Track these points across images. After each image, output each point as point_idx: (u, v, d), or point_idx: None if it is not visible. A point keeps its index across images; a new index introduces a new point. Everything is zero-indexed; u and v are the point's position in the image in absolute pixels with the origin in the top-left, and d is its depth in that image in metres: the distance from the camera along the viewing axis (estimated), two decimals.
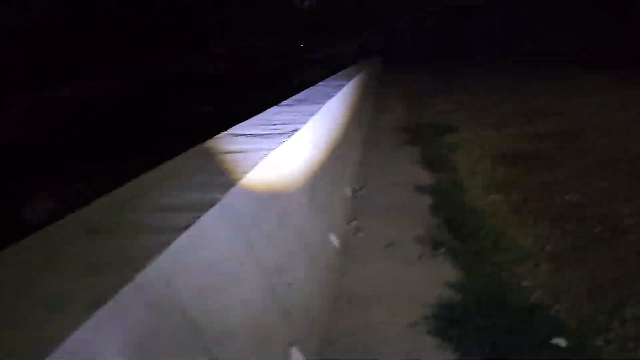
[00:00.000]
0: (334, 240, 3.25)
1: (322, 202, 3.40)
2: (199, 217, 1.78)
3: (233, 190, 2.10)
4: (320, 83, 7.63)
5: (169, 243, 1.56)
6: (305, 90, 6.53)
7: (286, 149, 3.05)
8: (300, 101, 5.36)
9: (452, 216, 3.46)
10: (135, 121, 12.47)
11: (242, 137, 3.29)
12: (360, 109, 7.79)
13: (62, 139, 10.79)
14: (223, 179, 2.26)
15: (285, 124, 3.76)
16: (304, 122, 3.79)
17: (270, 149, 2.87)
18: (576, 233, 3.38)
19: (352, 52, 25.18)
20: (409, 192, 4.53)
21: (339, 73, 10.06)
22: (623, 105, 8.29)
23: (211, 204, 1.95)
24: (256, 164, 2.50)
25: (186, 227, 1.69)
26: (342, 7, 32.52)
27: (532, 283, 2.73)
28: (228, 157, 2.70)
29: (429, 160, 5.43)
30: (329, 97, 5.62)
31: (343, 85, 7.04)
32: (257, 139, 3.22)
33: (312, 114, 4.21)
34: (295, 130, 3.43)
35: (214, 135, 3.47)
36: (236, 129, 3.72)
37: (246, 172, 2.33)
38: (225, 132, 3.61)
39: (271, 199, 2.48)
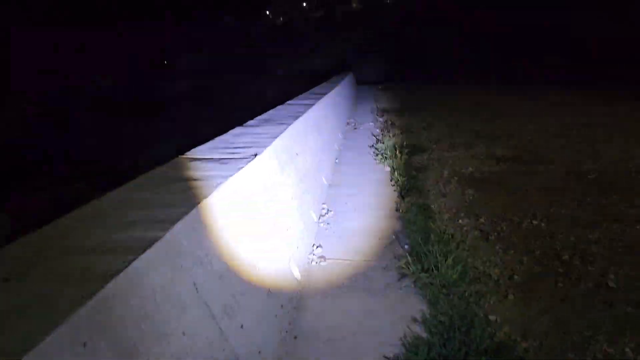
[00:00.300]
0: (295, 271, 3.08)
1: (285, 231, 3.23)
2: (134, 259, 1.60)
3: (178, 226, 1.92)
4: (289, 101, 7.52)
5: (91, 295, 1.37)
6: (273, 109, 6.41)
7: (245, 175, 2.89)
8: (265, 121, 5.21)
9: (419, 244, 3.34)
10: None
11: (199, 162, 3.11)
12: (331, 128, 7.70)
13: None
14: (170, 212, 2.07)
15: (247, 147, 3.60)
16: (266, 145, 3.64)
17: (227, 176, 2.70)
18: (545, 261, 3.31)
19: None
20: (377, 216, 4.41)
21: (310, 90, 10.00)
22: (586, 125, 8.51)
23: (151, 242, 1.76)
24: (209, 194, 2.33)
25: (116, 273, 1.50)
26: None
27: (500, 317, 2.62)
28: (179, 185, 2.51)
29: (398, 180, 5.34)
30: (296, 117, 5.50)
31: (312, 105, 6.95)
32: (215, 164, 3.05)
33: (276, 136, 4.07)
34: (256, 155, 3.27)
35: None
36: (195, 152, 3.54)
37: (196, 204, 2.16)
38: (183, 156, 3.43)
39: (224, 232, 2.30)
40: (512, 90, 16.80)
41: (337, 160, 6.73)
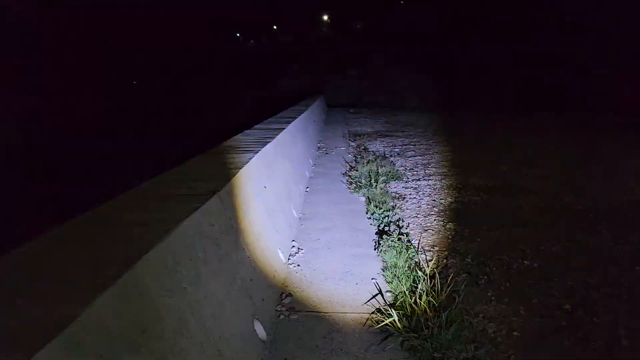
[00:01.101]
0: (260, 330, 2.57)
1: (248, 282, 2.73)
2: None
3: (98, 303, 1.42)
4: (257, 126, 7.07)
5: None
6: (239, 134, 5.94)
7: (198, 219, 2.39)
8: (230, 148, 4.74)
9: (404, 294, 2.90)
10: None
11: (145, 202, 2.59)
12: (301, 154, 7.27)
13: None
14: (90, 279, 1.57)
15: (204, 180, 3.11)
16: (228, 178, 3.15)
17: (176, 221, 2.21)
18: (544, 312, 2.92)
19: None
20: (353, 255, 3.96)
21: (279, 114, 9.59)
22: (554, 154, 8.42)
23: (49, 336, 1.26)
24: (149, 247, 1.83)
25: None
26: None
27: None
28: (110, 237, 2.00)
29: (375, 213, 4.93)
30: (264, 143, 5.05)
31: (281, 129, 6.53)
32: (163, 203, 2.54)
33: (239, 167, 3.60)
34: (214, 192, 2.78)
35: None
36: (144, 188, 3.02)
37: (128, 267, 1.65)
38: (132, 191, 2.90)
39: (169, 298, 1.79)
40: (481, 116, 16.94)
41: (307, 189, 6.28)
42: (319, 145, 10.48)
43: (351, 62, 31.18)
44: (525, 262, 3.71)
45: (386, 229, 4.53)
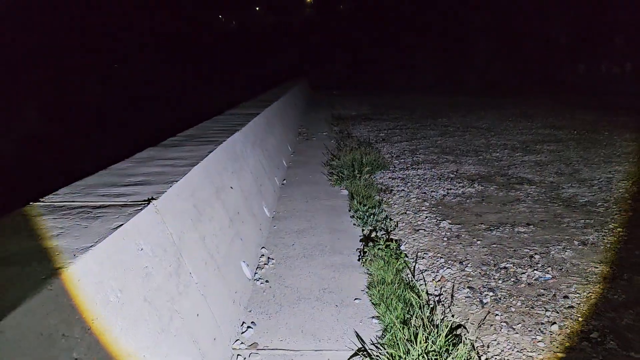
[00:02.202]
0: None
1: (188, 321, 2.09)
2: None
3: None
4: (230, 111, 6.36)
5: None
6: (208, 121, 5.24)
7: (125, 241, 1.75)
8: (190, 138, 4.06)
9: (395, 325, 2.30)
10: None
11: (55, 217, 1.93)
12: (278, 141, 6.60)
13: None
14: None
15: (145, 183, 2.45)
16: (176, 178, 2.50)
17: (92, 245, 1.58)
18: (568, 342, 2.36)
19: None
20: (333, 266, 3.35)
21: (258, 97, 8.86)
22: (551, 137, 7.90)
23: None
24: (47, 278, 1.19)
25: None
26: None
27: None
28: None
29: (358, 211, 4.32)
30: (232, 131, 4.38)
31: (256, 114, 5.85)
32: (77, 221, 1.89)
33: (195, 163, 2.94)
34: (149, 200, 2.13)
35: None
36: (63, 192, 2.34)
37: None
38: (39, 202, 2.22)
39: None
40: (470, 99, 16.40)
41: (284, 182, 5.64)
42: (300, 130, 9.80)
43: (336, 43, 30.29)
44: (535, 272, 3.15)
45: (372, 232, 3.92)
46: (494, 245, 3.64)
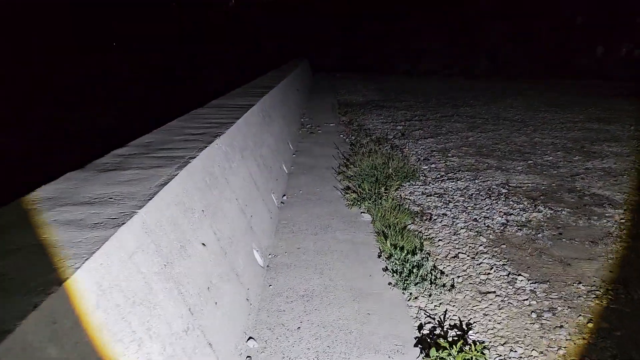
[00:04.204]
0: None
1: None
2: None
3: None
4: (215, 101, 4.93)
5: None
6: (180, 118, 3.85)
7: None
8: (147, 147, 2.68)
9: None
10: None
11: None
12: (276, 141, 5.19)
13: None
14: None
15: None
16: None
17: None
18: None
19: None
20: (350, 301, 2.01)
21: (252, 83, 7.41)
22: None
23: None
24: None
25: None
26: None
27: None
28: None
29: (392, 256, 2.97)
30: (212, 136, 3.01)
31: (249, 107, 4.45)
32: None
33: (123, 221, 1.57)
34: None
35: None
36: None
37: None
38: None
39: None
40: (484, 83, 14.93)
41: (284, 198, 4.26)
42: (302, 119, 8.38)
43: (337, 22, 28.46)
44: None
45: (419, 296, 2.56)
46: (605, 327, 2.29)
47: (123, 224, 1.53)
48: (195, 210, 2.21)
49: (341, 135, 7.00)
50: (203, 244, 2.16)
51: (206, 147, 2.76)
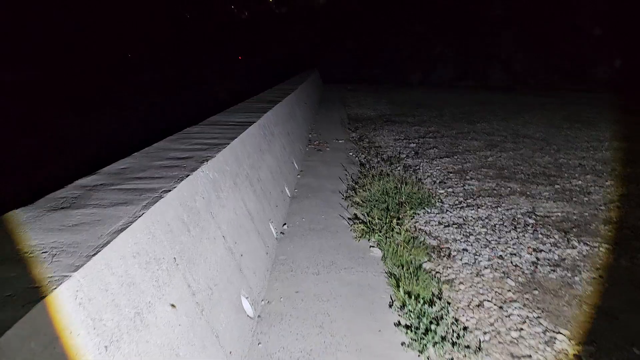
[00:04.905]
0: None
1: None
2: None
3: None
4: (212, 118, 4.55)
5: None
6: (163, 141, 3.45)
7: None
8: (113, 178, 2.28)
9: None
10: None
11: None
12: (278, 163, 4.78)
13: None
14: None
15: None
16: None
17: None
18: None
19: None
20: None
21: (258, 97, 7.04)
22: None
23: None
24: None
25: None
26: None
27: None
28: None
29: (406, 306, 2.52)
30: (198, 161, 2.61)
31: (248, 126, 4.05)
32: None
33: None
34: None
35: None
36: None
37: None
38: None
39: None
40: (501, 95, 14.44)
41: (284, 228, 3.83)
42: (310, 135, 7.98)
43: (346, 31, 28.20)
44: None
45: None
46: None
47: (44, 297, 1.11)
48: (162, 261, 1.79)
49: (350, 153, 6.58)
50: (172, 304, 1.73)
51: (188, 175, 2.35)
